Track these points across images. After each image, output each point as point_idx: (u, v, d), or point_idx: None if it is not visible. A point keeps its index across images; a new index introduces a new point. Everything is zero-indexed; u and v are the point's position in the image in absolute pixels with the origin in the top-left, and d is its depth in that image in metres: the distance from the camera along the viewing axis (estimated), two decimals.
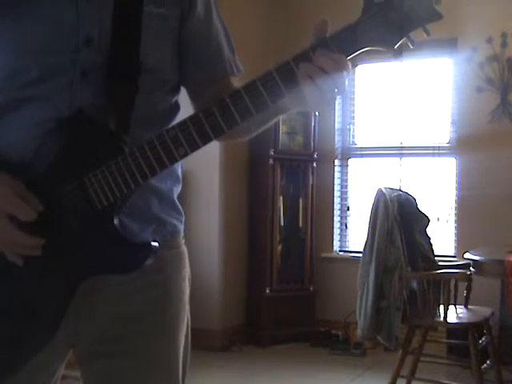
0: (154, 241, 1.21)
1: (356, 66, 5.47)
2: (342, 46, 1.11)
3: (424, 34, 1.12)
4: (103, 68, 1.23)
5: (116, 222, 1.20)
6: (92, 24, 1.23)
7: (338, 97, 1.16)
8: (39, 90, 1.22)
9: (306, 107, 1.20)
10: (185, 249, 1.41)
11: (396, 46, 1.12)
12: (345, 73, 1.12)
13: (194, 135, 1.14)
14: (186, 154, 1.16)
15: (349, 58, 1.12)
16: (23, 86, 1.23)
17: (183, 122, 1.15)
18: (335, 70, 1.11)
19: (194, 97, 1.41)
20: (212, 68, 1.38)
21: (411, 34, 1.11)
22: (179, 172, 1.40)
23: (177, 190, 1.39)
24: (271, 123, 1.37)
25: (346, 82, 1.14)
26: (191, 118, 1.15)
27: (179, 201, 1.40)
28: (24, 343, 1.22)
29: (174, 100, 1.38)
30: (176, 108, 1.38)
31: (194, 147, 1.15)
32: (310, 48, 1.13)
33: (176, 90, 1.38)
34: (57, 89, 1.22)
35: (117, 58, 1.23)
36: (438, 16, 1.10)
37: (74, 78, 1.22)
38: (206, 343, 4.66)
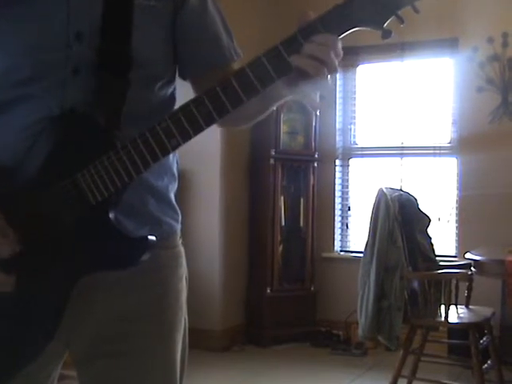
0: (151, 235, 1.20)
1: (357, 66, 5.47)
2: (331, 26, 1.11)
3: (423, 24, 1.12)
4: (94, 64, 1.22)
5: (111, 216, 1.19)
6: (82, 19, 1.22)
7: (329, 78, 1.16)
8: (31, 89, 1.21)
9: (297, 93, 1.20)
10: (182, 248, 1.40)
11: (385, 25, 1.10)
12: (333, 53, 1.11)
13: (186, 125, 1.14)
14: (178, 145, 1.16)
15: (339, 37, 1.12)
16: (15, 85, 1.22)
17: (174, 113, 1.15)
18: (325, 53, 1.10)
19: (197, 88, 1.38)
20: (211, 57, 1.37)
21: (400, 13, 1.10)
22: (175, 169, 1.39)
23: (173, 187, 1.38)
24: (270, 111, 1.36)
25: (336, 64, 1.13)
26: (182, 108, 1.15)
27: (176, 199, 1.39)
28: (23, 346, 1.21)
29: (168, 94, 1.36)
30: (171, 102, 1.37)
31: (186, 138, 1.15)
32: (298, 31, 1.12)
33: (170, 84, 1.37)
34: (49, 87, 1.21)
35: (107, 53, 1.22)
36: None
37: (66, 75, 1.22)
38: (206, 343, 4.66)
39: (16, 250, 1.17)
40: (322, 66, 1.11)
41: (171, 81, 1.37)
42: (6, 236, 1.16)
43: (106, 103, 1.21)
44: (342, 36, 1.12)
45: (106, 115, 1.20)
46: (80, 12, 1.22)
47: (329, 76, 1.13)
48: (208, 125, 1.14)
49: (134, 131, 1.17)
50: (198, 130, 1.15)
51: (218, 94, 1.13)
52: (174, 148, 1.16)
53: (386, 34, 1.11)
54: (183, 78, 1.40)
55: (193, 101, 1.14)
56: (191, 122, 1.14)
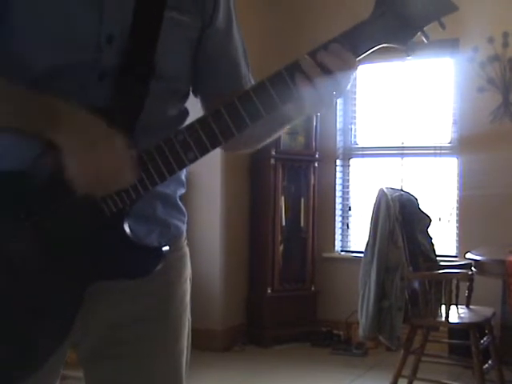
0: (165, 245, 1.20)
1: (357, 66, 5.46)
2: (355, 44, 1.08)
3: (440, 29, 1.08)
4: (118, 69, 1.19)
5: (126, 227, 1.18)
6: (115, 22, 1.19)
7: (337, 98, 1.14)
8: (51, 89, 1.17)
9: (304, 111, 1.18)
10: (187, 250, 1.40)
11: (409, 42, 1.08)
12: (350, 73, 1.09)
13: (204, 139, 1.12)
14: (195, 159, 1.13)
15: (361, 56, 1.09)
16: (31, 83, 1.17)
17: (191, 126, 1.13)
18: (340, 69, 1.08)
19: (207, 107, 1.38)
20: (228, 83, 1.35)
21: (426, 29, 1.08)
22: (183, 176, 1.38)
23: (180, 192, 1.37)
24: (278, 134, 1.35)
25: (349, 84, 1.11)
26: (200, 121, 1.13)
27: (181, 201, 1.39)
28: (36, 348, 1.20)
29: (183, 108, 1.35)
30: (185, 114, 1.35)
31: (204, 151, 1.13)
32: (322, 46, 1.09)
33: (185, 99, 1.36)
34: (70, 89, 1.18)
35: (132, 60, 1.20)
36: (453, 8, 1.06)
37: (91, 78, 1.19)
38: (207, 343, 4.67)
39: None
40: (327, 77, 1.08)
41: (187, 95, 1.36)
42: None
43: (123, 110, 1.19)
44: (366, 54, 1.10)
45: (121, 123, 1.17)
46: (113, 15, 1.19)
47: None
48: (226, 139, 1.12)
49: (146, 141, 1.15)
50: (216, 144, 1.13)
51: (238, 108, 1.11)
52: (191, 161, 1.14)
53: (411, 51, 1.09)
54: (194, 94, 1.38)
55: (211, 114, 1.12)
56: (209, 135, 1.12)
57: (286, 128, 1.35)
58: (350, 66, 1.09)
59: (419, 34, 1.09)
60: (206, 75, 1.35)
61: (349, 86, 1.12)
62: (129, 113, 1.19)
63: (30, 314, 1.20)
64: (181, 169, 1.15)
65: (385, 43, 1.09)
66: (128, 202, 1.15)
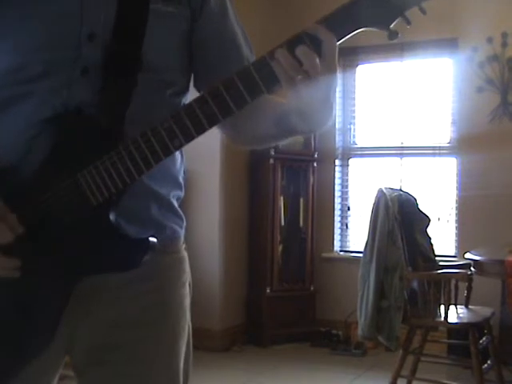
0: (152, 236, 1.18)
1: (356, 66, 5.47)
2: (336, 27, 1.08)
3: (422, 21, 1.09)
4: (103, 65, 1.20)
5: (112, 218, 1.17)
6: (96, 19, 1.21)
7: (328, 92, 1.12)
8: (38, 87, 1.20)
9: (305, 117, 1.16)
10: (185, 254, 1.38)
11: (392, 26, 1.08)
12: (332, 57, 1.08)
13: (189, 126, 1.12)
14: (180, 146, 1.14)
15: (342, 40, 1.09)
16: (23, 82, 1.21)
17: (177, 113, 1.13)
18: (315, 64, 1.07)
19: None
20: (230, 66, 1.32)
21: (407, 14, 1.07)
22: (181, 178, 1.37)
23: (177, 195, 1.36)
24: (283, 141, 1.33)
25: (335, 69, 1.09)
26: (185, 107, 1.13)
27: (181, 205, 1.38)
28: (23, 347, 1.19)
29: (180, 103, 1.34)
30: None
31: (189, 138, 1.13)
32: (302, 31, 1.09)
33: (184, 93, 1.35)
34: (56, 86, 1.20)
35: (117, 55, 1.20)
36: None
37: (75, 74, 1.20)
38: (206, 343, 4.66)
39: (17, 232, 1.15)
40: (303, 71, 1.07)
41: (183, 90, 1.35)
42: (4, 220, 1.15)
43: (111, 104, 1.19)
44: (346, 38, 1.09)
45: (109, 116, 1.18)
46: (94, 13, 1.21)
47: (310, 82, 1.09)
48: (211, 125, 1.12)
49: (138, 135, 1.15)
50: (201, 130, 1.12)
51: (222, 94, 1.10)
52: (177, 148, 1.14)
53: (393, 35, 1.08)
54: (198, 88, 1.37)
55: (196, 100, 1.12)
56: (194, 122, 1.11)
57: (294, 136, 1.34)
58: (331, 49, 1.08)
59: (401, 19, 1.08)
60: (205, 62, 1.34)
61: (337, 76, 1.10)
62: (116, 107, 1.19)
63: (15, 312, 1.20)
64: (167, 156, 1.14)
65: (366, 27, 1.09)
66: (114, 190, 1.15)
